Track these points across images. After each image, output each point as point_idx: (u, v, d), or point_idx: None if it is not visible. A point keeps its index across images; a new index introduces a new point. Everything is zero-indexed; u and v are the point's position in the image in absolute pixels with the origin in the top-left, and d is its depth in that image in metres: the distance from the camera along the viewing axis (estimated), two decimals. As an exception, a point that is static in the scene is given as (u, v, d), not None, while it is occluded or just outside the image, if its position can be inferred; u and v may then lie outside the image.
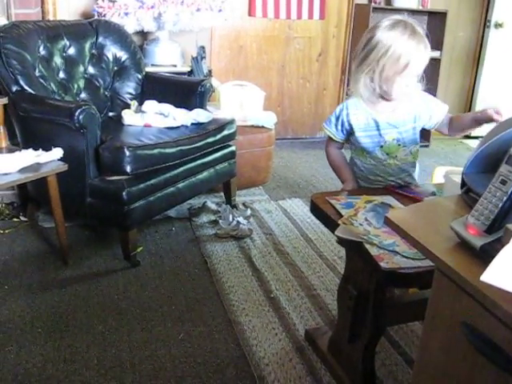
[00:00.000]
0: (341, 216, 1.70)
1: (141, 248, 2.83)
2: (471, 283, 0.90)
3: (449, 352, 1.05)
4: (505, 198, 1.00)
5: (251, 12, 4.65)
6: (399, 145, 2.01)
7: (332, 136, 2.09)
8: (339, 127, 2.05)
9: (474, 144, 1.48)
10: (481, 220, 1.02)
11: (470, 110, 5.64)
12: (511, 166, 1.02)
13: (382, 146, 2.01)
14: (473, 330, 0.95)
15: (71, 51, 3.21)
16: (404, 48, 1.83)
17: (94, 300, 2.41)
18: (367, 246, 1.53)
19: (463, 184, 1.34)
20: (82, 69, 3.25)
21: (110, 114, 3.32)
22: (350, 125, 2.02)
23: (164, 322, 2.28)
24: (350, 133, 2.05)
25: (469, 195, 1.28)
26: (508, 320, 0.84)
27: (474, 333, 0.95)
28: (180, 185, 2.90)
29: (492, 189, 1.04)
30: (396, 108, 1.98)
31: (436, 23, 5.06)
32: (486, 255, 0.95)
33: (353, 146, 2.09)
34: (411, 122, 2.00)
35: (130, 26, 3.72)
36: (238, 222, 3.09)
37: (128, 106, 3.24)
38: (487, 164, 1.29)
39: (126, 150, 2.52)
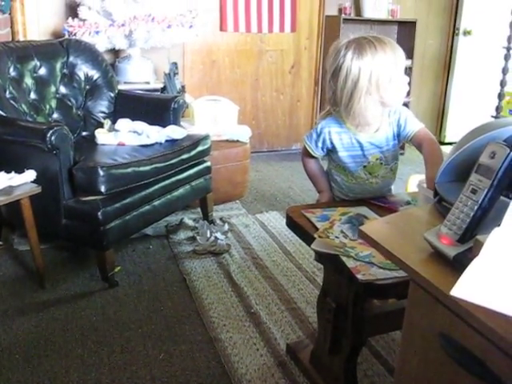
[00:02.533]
0: (316, 229, 1.70)
1: (119, 268, 2.80)
2: (446, 294, 0.89)
3: (427, 363, 1.05)
4: (476, 207, 1.01)
5: (222, 27, 4.67)
6: (381, 163, 1.99)
7: (311, 151, 2.05)
8: (319, 144, 2.01)
9: (449, 151, 1.50)
10: (453, 230, 1.03)
11: (442, 117, 5.72)
12: (481, 175, 1.03)
13: (365, 166, 1.99)
14: (449, 341, 0.95)
15: (42, 71, 3.19)
16: (380, 68, 1.80)
17: (73, 323, 2.38)
18: (344, 259, 1.53)
19: (436, 193, 1.35)
20: (53, 89, 3.23)
21: (84, 133, 3.30)
22: (332, 144, 1.98)
23: (144, 343, 2.25)
24: (330, 150, 2.02)
25: (442, 204, 1.29)
26: (484, 329, 0.84)
27: (450, 343, 0.95)
28: (156, 202, 2.88)
29: (463, 198, 1.04)
30: (379, 127, 1.95)
31: (406, 32, 5.13)
32: (459, 265, 0.95)
33: (333, 162, 2.06)
34: (392, 139, 1.98)
35: (101, 45, 3.72)
36: (215, 237, 3.08)
37: (101, 125, 3.22)
38: (459, 173, 1.30)
39: (99, 169, 2.50)
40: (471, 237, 0.99)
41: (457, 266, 0.97)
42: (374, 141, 1.95)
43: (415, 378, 1.10)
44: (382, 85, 1.83)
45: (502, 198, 1.00)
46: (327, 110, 2.02)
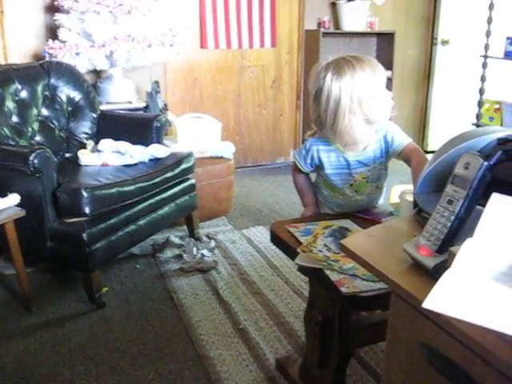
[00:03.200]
0: (300, 243, 1.71)
1: (106, 288, 2.79)
2: (425, 305, 0.91)
3: (411, 373, 1.06)
4: (452, 218, 1.03)
5: (203, 44, 4.69)
6: (367, 182, 2.01)
7: (300, 167, 2.07)
8: (308, 160, 2.03)
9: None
10: (431, 240, 1.04)
11: (424, 127, 5.77)
12: (456, 186, 1.05)
13: (351, 185, 2.00)
14: (431, 351, 0.97)
15: (23, 94, 3.19)
16: (362, 89, 1.82)
17: (61, 346, 2.36)
18: (327, 272, 1.55)
19: (415, 204, 1.37)
20: (35, 111, 3.23)
21: (67, 154, 3.30)
22: (320, 161, 2.00)
23: (133, 363, 2.24)
24: (318, 167, 2.04)
25: (421, 215, 1.31)
26: (464, 339, 0.85)
27: (432, 353, 0.96)
28: (141, 222, 2.88)
29: (440, 209, 1.06)
30: (368, 145, 1.96)
31: (385, 44, 5.19)
32: (438, 275, 0.96)
33: (321, 177, 2.08)
34: (380, 157, 1.99)
35: (82, 66, 3.72)
36: (202, 254, 3.08)
37: (84, 146, 3.22)
38: (436, 183, 1.31)
39: (83, 191, 2.50)
40: (449, 247, 1.01)
41: (436, 276, 0.98)
42: (362, 159, 1.97)
43: (401, 388, 1.11)
44: (364, 102, 1.83)
45: (478, 207, 1.02)
46: (314, 131, 2.03)
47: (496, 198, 0.88)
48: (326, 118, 1.87)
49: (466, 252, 0.75)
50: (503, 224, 0.80)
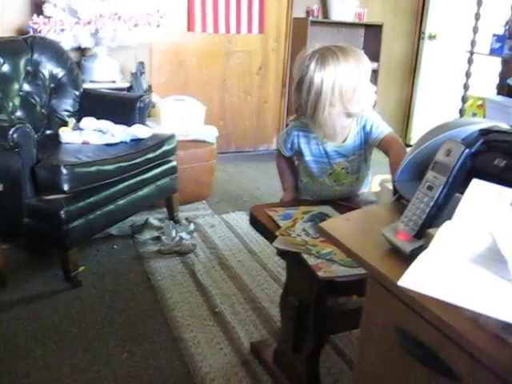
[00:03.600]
0: (279, 227, 1.71)
1: (82, 268, 2.77)
2: (401, 288, 0.91)
3: (384, 356, 1.06)
4: (431, 204, 1.03)
5: (190, 27, 4.65)
6: (347, 173, 2.00)
7: (281, 150, 2.08)
8: (288, 145, 2.04)
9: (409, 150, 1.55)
10: (410, 226, 1.05)
11: (408, 120, 5.79)
12: (436, 173, 1.05)
13: (330, 174, 2.00)
14: (404, 334, 0.97)
15: (5, 68, 3.13)
16: (344, 79, 1.80)
17: (34, 323, 2.34)
18: (305, 256, 1.55)
19: (395, 191, 1.38)
20: (16, 86, 3.18)
21: (47, 131, 3.26)
22: (299, 147, 2.00)
23: (107, 342, 2.23)
24: (298, 152, 2.04)
25: (400, 202, 1.31)
26: (436, 321, 0.85)
27: (405, 336, 0.97)
28: (120, 202, 2.86)
29: (419, 195, 1.06)
30: (347, 138, 1.96)
31: (372, 35, 5.19)
32: (415, 260, 0.97)
33: (302, 163, 2.07)
34: (359, 149, 1.98)
35: (67, 43, 3.66)
36: (181, 237, 3.07)
37: (65, 124, 3.18)
38: (417, 171, 1.32)
39: (62, 168, 2.47)
40: (426, 232, 1.01)
41: (413, 260, 0.98)
42: (341, 150, 1.96)
43: (373, 371, 1.11)
44: (346, 96, 1.82)
45: (457, 194, 1.02)
46: (296, 116, 2.01)
47: (476, 184, 0.88)
48: (306, 108, 1.85)
49: (444, 234, 0.75)
50: (482, 209, 0.81)
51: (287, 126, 2.05)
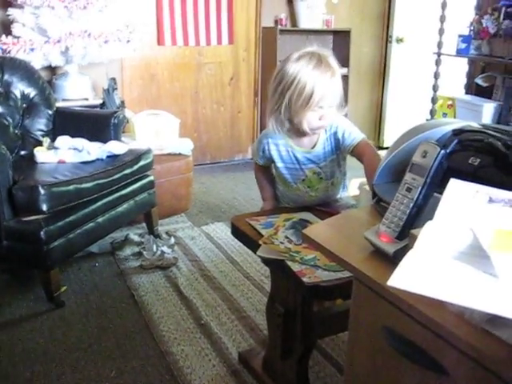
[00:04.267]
0: (261, 236, 1.72)
1: (65, 287, 2.75)
2: (387, 289, 0.93)
3: (374, 357, 1.08)
4: (411, 205, 1.06)
5: (160, 41, 4.66)
6: (321, 178, 2.01)
7: (255, 160, 2.10)
8: (260, 153, 2.05)
9: (385, 153, 1.58)
10: (391, 227, 1.07)
11: (380, 123, 5.86)
12: (414, 174, 1.07)
13: (303, 180, 2.01)
14: (392, 333, 0.99)
15: (-24, 91, 3.11)
16: (308, 78, 1.81)
17: (19, 347, 2.32)
18: (289, 263, 1.56)
19: (374, 194, 1.40)
20: (-12, 109, 3.15)
21: (22, 152, 3.22)
22: (270, 154, 2.02)
23: (94, 361, 2.22)
24: (271, 161, 2.05)
25: (380, 204, 1.34)
26: (423, 319, 0.88)
27: (393, 335, 0.99)
28: (100, 219, 2.85)
29: (399, 197, 1.09)
30: (316, 143, 1.97)
31: (341, 41, 5.25)
32: (399, 261, 0.99)
33: (276, 171, 2.08)
34: (331, 154, 1.99)
35: (37, 62, 3.65)
36: (162, 251, 3.07)
37: (40, 144, 3.16)
38: (395, 173, 1.35)
39: (40, 188, 2.45)
40: (409, 233, 1.03)
41: (397, 261, 1.00)
42: (311, 156, 1.98)
43: (364, 373, 1.13)
44: (327, 102, 1.85)
45: (436, 194, 1.05)
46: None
47: (454, 183, 0.91)
48: (284, 112, 1.87)
49: (427, 234, 0.77)
50: (461, 207, 0.83)
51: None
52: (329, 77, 1.84)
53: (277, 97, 1.88)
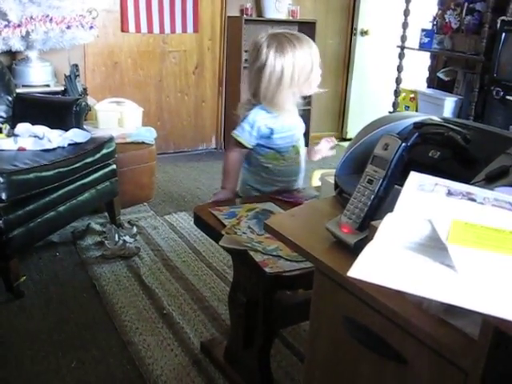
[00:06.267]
0: (224, 226, 1.72)
1: (24, 277, 2.70)
2: (348, 279, 0.94)
3: (334, 346, 1.10)
4: (372, 196, 1.07)
5: (124, 27, 4.60)
6: (300, 145, 2.15)
7: (245, 143, 2.07)
8: (254, 133, 2.05)
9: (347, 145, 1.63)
10: (353, 219, 1.09)
11: (343, 115, 5.91)
12: (376, 166, 1.09)
13: (293, 146, 2.11)
14: (353, 324, 1.01)
15: None
16: (300, 62, 1.97)
17: (-24, 337, 2.28)
18: (251, 253, 1.57)
19: (336, 185, 1.42)
20: None
21: (-20, 139, 3.16)
22: (269, 128, 2.05)
23: (55, 352, 2.20)
24: (266, 137, 2.07)
25: (342, 196, 1.35)
26: (382, 309, 0.89)
27: (353, 325, 1.00)
28: (61, 208, 2.80)
29: (361, 188, 1.10)
30: (293, 113, 2.13)
31: (306, 33, 5.14)
32: (360, 251, 1.00)
33: (263, 152, 2.10)
34: (301, 126, 2.18)
35: (-4, 46, 3.57)
36: (124, 241, 3.04)
37: (-1, 130, 3.10)
38: (357, 165, 1.36)
39: (-1, 176, 2.41)
40: (369, 224, 1.05)
41: (357, 252, 1.01)
42: (293, 124, 2.12)
43: (324, 362, 1.15)
44: (301, 80, 1.99)
45: (396, 187, 1.07)
46: (248, 101, 2.11)
47: (414, 176, 0.93)
48: (265, 92, 1.99)
49: (387, 225, 0.79)
50: (420, 199, 0.85)
51: (244, 118, 2.06)
52: (308, 50, 2.02)
53: (272, 88, 1.98)
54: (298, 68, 1.96)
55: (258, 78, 1.98)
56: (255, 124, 2.04)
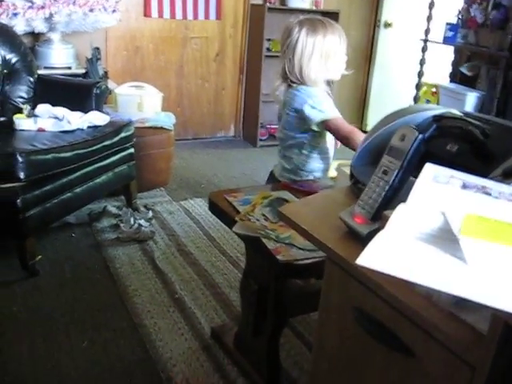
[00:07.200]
0: (238, 212, 1.72)
1: (40, 256, 2.73)
2: (358, 268, 0.94)
3: (343, 336, 1.10)
4: (387, 187, 1.06)
5: (147, 12, 4.60)
6: None
7: (338, 115, 2.07)
8: (332, 103, 2.13)
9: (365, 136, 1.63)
10: (366, 209, 1.08)
11: (364, 106, 5.87)
12: (391, 157, 1.08)
13: None
14: (362, 313, 1.00)
15: (-45, 54, 3.05)
16: (329, 43, 2.08)
17: (-9, 313, 2.31)
18: (264, 241, 1.57)
19: (352, 176, 1.41)
20: (-33, 72, 3.10)
21: (1, 119, 3.17)
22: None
23: (66, 331, 2.22)
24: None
25: (357, 186, 1.34)
26: (392, 300, 0.89)
27: (363, 316, 1.00)
28: (78, 189, 2.82)
29: (375, 179, 1.09)
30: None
31: (328, 23, 5.21)
32: (371, 242, 1.00)
33: (317, 137, 2.14)
34: None
35: (20, 27, 3.59)
36: (139, 224, 3.06)
37: (20, 111, 3.11)
38: (373, 156, 1.35)
39: (18, 155, 2.42)
40: (382, 214, 1.04)
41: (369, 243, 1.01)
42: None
43: (332, 352, 1.14)
44: (329, 60, 2.08)
45: (411, 178, 1.06)
46: (281, 83, 2.16)
47: (429, 167, 0.92)
48: (300, 66, 2.07)
49: (399, 215, 0.78)
50: (434, 191, 0.84)
51: (311, 98, 2.09)
52: (338, 34, 2.11)
53: (303, 63, 2.08)
54: (327, 48, 2.05)
55: (291, 54, 2.06)
56: (327, 97, 2.12)
